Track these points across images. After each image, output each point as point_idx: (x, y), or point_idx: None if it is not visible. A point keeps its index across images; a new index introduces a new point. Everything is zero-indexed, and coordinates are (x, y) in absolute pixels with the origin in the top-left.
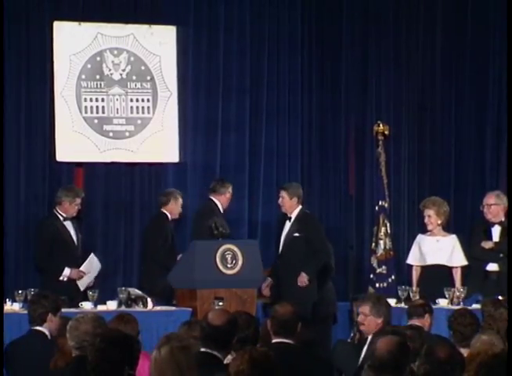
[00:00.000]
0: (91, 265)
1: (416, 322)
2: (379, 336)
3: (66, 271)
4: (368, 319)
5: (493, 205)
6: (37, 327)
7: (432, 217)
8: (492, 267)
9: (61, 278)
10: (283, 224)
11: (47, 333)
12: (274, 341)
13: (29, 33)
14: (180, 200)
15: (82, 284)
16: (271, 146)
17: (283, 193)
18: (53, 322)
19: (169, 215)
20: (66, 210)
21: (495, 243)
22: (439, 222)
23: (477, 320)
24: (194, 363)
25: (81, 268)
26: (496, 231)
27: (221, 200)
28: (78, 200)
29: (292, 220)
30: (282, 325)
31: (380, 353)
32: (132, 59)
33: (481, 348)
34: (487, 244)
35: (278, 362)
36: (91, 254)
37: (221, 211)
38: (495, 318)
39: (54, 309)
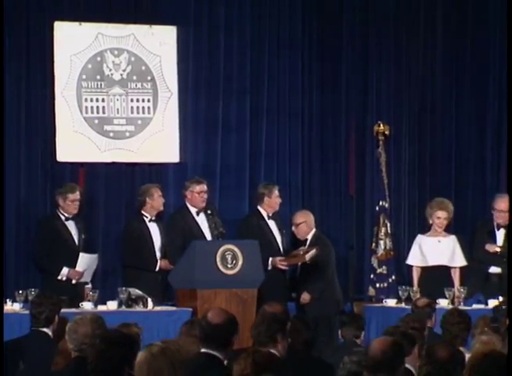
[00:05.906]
0: (85, 263)
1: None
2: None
3: (65, 270)
4: None
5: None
6: (42, 329)
7: (445, 219)
8: (495, 269)
9: (59, 278)
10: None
11: (50, 333)
12: None
13: (29, 33)
14: (155, 195)
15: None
16: (271, 146)
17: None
18: (56, 322)
19: (147, 215)
20: (63, 207)
21: (500, 247)
22: (446, 223)
23: (467, 319)
24: (179, 365)
25: (76, 268)
26: (501, 234)
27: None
28: (72, 196)
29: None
30: None
31: (374, 353)
32: (133, 59)
33: (481, 349)
34: (491, 248)
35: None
36: (81, 254)
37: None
38: None
39: (58, 310)
